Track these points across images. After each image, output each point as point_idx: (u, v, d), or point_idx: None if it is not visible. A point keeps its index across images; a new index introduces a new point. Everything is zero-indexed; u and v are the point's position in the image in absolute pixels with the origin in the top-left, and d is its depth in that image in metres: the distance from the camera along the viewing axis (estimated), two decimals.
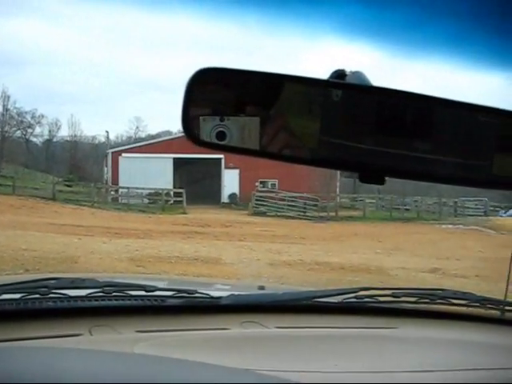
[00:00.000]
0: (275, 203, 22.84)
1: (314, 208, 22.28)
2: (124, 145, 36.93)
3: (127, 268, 9.65)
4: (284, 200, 22.82)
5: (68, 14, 56.04)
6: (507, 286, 2.16)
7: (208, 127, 0.82)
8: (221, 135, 0.82)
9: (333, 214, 21.76)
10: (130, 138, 47.70)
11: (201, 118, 0.82)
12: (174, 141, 27.13)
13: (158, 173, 28.17)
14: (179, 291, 1.56)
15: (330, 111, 0.84)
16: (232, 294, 1.62)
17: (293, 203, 22.76)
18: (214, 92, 0.85)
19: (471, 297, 1.77)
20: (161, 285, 1.88)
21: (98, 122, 75.13)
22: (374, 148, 0.85)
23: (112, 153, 31.25)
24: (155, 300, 1.53)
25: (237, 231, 16.87)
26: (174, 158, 28.75)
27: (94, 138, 46.74)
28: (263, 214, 22.04)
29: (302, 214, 22.08)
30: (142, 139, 42.00)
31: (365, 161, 0.87)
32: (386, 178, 0.86)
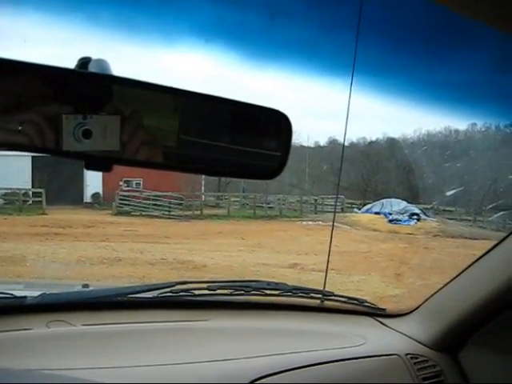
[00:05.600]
0: (140, 202, 22.42)
1: (179, 207, 22.15)
2: None
3: None
4: (149, 199, 22.46)
5: None
6: (326, 276, 2.28)
7: (71, 126, 0.79)
8: (87, 133, 0.80)
9: (198, 212, 21.79)
10: None
11: (64, 116, 0.79)
12: None
13: (14, 172, 26.60)
14: None
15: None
16: (44, 293, 1.57)
17: (158, 202, 22.49)
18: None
19: (284, 287, 1.85)
20: None
21: None
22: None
23: None
24: None
25: (99, 231, 16.38)
26: (33, 157, 27.30)
27: None
28: (127, 213, 21.59)
29: (167, 212, 21.90)
30: None
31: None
32: None
